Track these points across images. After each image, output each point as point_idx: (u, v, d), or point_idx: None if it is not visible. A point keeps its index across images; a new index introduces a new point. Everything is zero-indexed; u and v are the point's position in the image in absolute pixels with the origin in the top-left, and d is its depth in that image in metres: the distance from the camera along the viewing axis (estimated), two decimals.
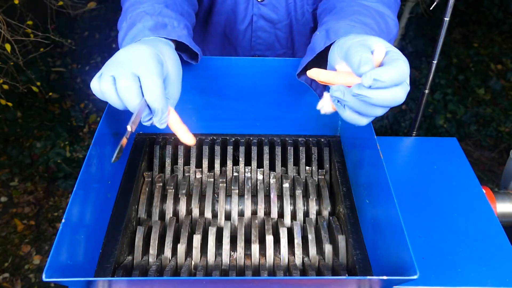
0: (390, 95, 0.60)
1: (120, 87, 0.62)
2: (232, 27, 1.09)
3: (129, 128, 0.61)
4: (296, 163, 0.95)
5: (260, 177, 0.93)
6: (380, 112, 0.63)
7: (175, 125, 0.68)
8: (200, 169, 0.93)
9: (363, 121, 0.66)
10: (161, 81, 0.64)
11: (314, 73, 0.66)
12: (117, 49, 0.72)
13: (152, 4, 0.79)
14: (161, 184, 0.89)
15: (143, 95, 0.64)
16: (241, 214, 0.87)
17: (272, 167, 0.94)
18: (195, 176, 0.93)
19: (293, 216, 0.86)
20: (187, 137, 0.69)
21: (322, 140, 0.98)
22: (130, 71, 0.63)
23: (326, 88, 0.79)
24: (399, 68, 0.59)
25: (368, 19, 0.77)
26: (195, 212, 0.86)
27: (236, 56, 1.13)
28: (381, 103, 0.61)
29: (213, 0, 1.05)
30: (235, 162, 0.95)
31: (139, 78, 0.63)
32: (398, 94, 0.60)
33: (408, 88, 0.62)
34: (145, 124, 0.66)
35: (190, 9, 0.89)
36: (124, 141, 0.62)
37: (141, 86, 0.63)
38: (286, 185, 0.89)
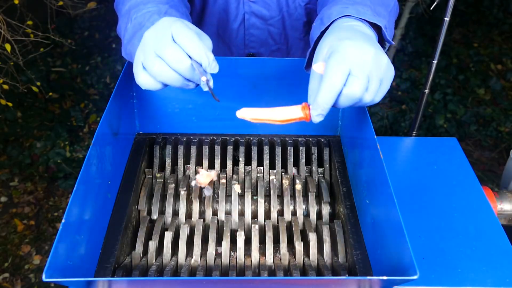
0: (343, 100, 0.65)
1: (169, 59, 0.65)
2: (225, 26, 1.09)
3: (204, 78, 0.67)
4: (296, 163, 0.95)
5: (260, 175, 0.93)
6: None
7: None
8: (201, 167, 0.93)
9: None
10: (193, 31, 0.68)
11: (244, 113, 0.71)
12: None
13: (156, 4, 0.80)
14: (162, 180, 0.89)
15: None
16: (241, 213, 0.87)
17: (272, 167, 0.94)
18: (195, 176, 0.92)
19: (293, 215, 0.86)
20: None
21: (322, 140, 0.98)
22: (168, 39, 0.66)
23: None
24: (326, 84, 0.63)
25: None
26: (195, 211, 0.86)
27: (231, 55, 1.13)
28: (344, 105, 0.66)
29: (204, 1, 1.06)
30: (235, 162, 0.95)
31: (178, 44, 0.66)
32: (345, 94, 0.64)
33: (360, 80, 0.63)
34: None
35: (186, 10, 0.90)
36: (204, 78, 0.67)
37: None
38: (285, 181, 0.89)
